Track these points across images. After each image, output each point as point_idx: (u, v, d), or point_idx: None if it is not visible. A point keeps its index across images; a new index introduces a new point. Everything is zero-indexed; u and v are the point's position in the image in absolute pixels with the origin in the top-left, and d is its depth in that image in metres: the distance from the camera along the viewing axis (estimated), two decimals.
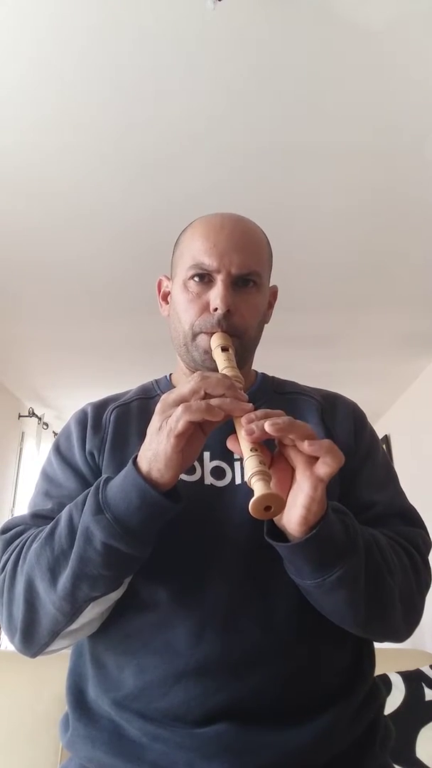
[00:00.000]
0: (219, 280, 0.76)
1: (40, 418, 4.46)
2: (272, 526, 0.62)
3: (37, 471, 0.84)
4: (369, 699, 0.72)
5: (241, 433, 0.58)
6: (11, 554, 0.70)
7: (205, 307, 0.76)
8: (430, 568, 0.75)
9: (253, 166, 1.73)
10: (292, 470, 0.59)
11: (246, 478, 0.56)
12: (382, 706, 0.78)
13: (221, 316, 0.75)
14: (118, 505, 0.60)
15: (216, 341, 0.74)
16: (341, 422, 0.82)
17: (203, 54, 1.35)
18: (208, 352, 0.76)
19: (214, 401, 0.58)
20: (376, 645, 0.77)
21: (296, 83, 1.43)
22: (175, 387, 0.80)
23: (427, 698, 1.52)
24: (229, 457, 0.75)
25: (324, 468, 0.56)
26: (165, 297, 0.87)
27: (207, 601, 0.68)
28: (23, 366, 3.56)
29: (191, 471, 0.74)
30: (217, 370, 0.71)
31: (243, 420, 0.58)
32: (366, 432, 0.84)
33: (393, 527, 0.75)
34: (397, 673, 1.57)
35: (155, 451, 0.59)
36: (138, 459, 0.61)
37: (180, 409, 0.58)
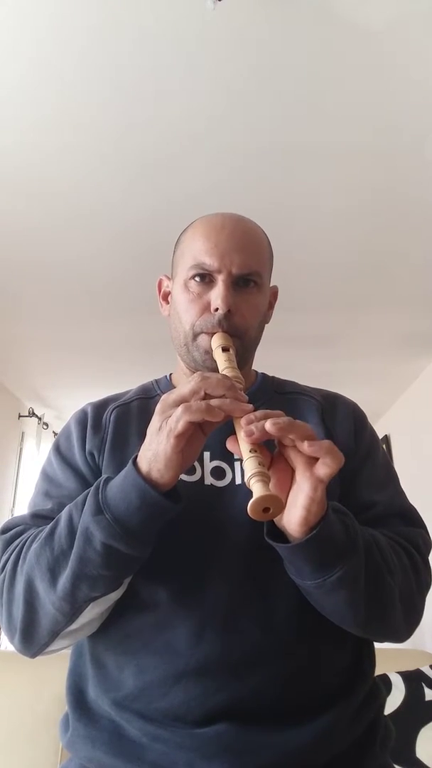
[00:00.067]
0: (220, 280, 0.76)
1: (40, 418, 4.46)
2: (272, 526, 0.62)
3: (37, 471, 0.84)
4: (369, 699, 0.72)
5: (241, 434, 0.58)
6: (11, 554, 0.70)
7: (206, 308, 0.76)
8: (430, 568, 0.75)
9: (253, 166, 1.73)
10: (292, 471, 0.59)
11: (245, 479, 0.56)
12: (382, 706, 0.78)
13: (222, 317, 0.75)
14: (118, 506, 0.60)
15: (217, 341, 0.74)
16: (341, 422, 0.82)
17: (203, 54, 1.35)
18: (208, 352, 0.76)
19: (214, 402, 0.58)
20: (376, 645, 0.77)
21: (296, 83, 1.43)
22: (175, 387, 0.80)
23: (427, 698, 1.52)
24: (229, 457, 0.75)
25: (324, 469, 0.56)
26: (165, 297, 0.87)
27: (207, 602, 0.68)
28: (23, 366, 3.56)
29: (191, 471, 0.74)
30: (218, 371, 0.71)
31: (243, 421, 0.58)
32: (366, 432, 0.84)
33: (393, 527, 0.75)
34: (397, 673, 1.57)
35: (155, 451, 0.59)
36: (138, 459, 0.61)
37: (180, 409, 0.58)
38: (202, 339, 0.77)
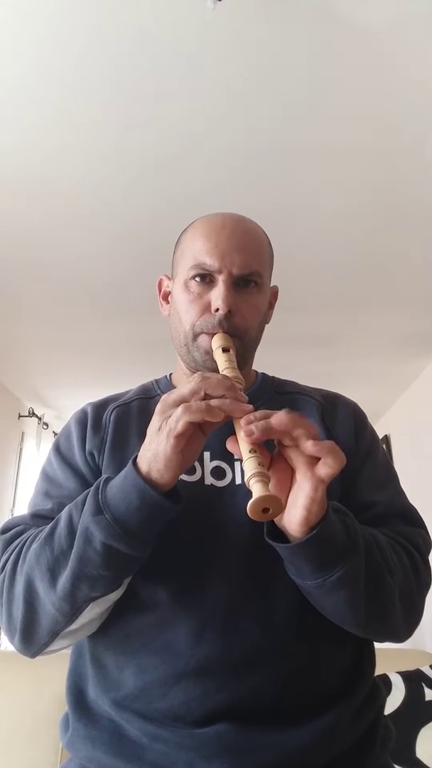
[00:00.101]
0: (220, 280, 0.75)
1: (40, 418, 4.46)
2: (272, 526, 0.62)
3: (37, 471, 0.84)
4: (369, 699, 0.72)
5: (241, 434, 0.58)
6: (11, 554, 0.70)
7: (207, 308, 0.76)
8: (430, 567, 0.75)
9: (253, 166, 1.73)
10: (292, 471, 0.59)
11: (245, 480, 0.56)
12: (383, 706, 0.78)
13: (222, 317, 0.75)
14: (118, 506, 0.60)
15: (217, 342, 0.74)
16: (341, 422, 0.82)
17: (203, 54, 1.35)
18: (209, 352, 0.76)
19: (214, 402, 0.58)
20: (376, 645, 0.77)
21: (296, 83, 1.43)
22: (175, 387, 0.80)
23: (427, 698, 1.52)
24: (229, 457, 0.75)
25: (325, 469, 0.56)
26: (166, 296, 0.87)
27: (207, 602, 0.68)
28: (23, 366, 3.56)
29: (191, 471, 0.74)
30: (218, 371, 0.71)
31: (242, 421, 0.58)
32: (366, 432, 0.84)
33: (393, 527, 0.75)
34: (397, 673, 1.57)
35: (155, 451, 0.59)
36: (138, 459, 0.61)
37: (180, 409, 0.58)
38: (203, 339, 0.77)
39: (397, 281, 2.44)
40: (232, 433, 0.61)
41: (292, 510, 0.58)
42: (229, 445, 0.61)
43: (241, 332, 0.76)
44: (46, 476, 0.80)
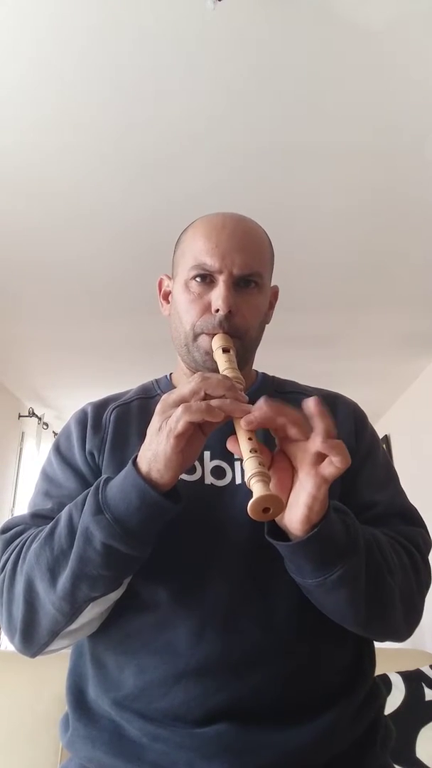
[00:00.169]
0: (221, 280, 0.75)
1: (40, 418, 4.46)
2: (273, 525, 0.62)
3: (37, 471, 0.84)
4: (370, 698, 0.72)
5: (241, 434, 0.58)
6: (11, 554, 0.70)
7: (207, 308, 0.76)
8: (430, 567, 0.75)
9: (253, 166, 1.73)
10: (293, 470, 0.59)
11: (245, 479, 0.56)
12: (383, 706, 0.78)
13: (223, 317, 0.74)
14: (118, 506, 0.60)
15: (217, 342, 0.74)
16: (342, 422, 0.82)
17: (203, 54, 1.35)
18: (209, 353, 0.75)
19: (214, 402, 0.58)
20: (376, 645, 0.77)
21: (296, 83, 1.43)
22: (175, 387, 0.80)
23: (427, 698, 1.52)
24: (229, 456, 0.75)
25: (330, 468, 0.56)
26: (166, 296, 0.87)
27: (207, 601, 0.68)
28: (23, 366, 3.56)
29: (191, 470, 0.74)
30: (218, 371, 0.71)
31: (242, 421, 0.58)
32: (367, 432, 0.84)
33: (393, 527, 0.75)
34: (397, 673, 1.57)
35: (155, 451, 0.59)
36: (138, 459, 0.61)
37: (180, 409, 0.58)
38: (203, 340, 0.77)
39: (397, 281, 2.44)
40: (232, 432, 0.61)
41: (294, 508, 0.58)
42: (230, 445, 0.61)
43: (242, 332, 0.76)
44: (46, 476, 0.80)
